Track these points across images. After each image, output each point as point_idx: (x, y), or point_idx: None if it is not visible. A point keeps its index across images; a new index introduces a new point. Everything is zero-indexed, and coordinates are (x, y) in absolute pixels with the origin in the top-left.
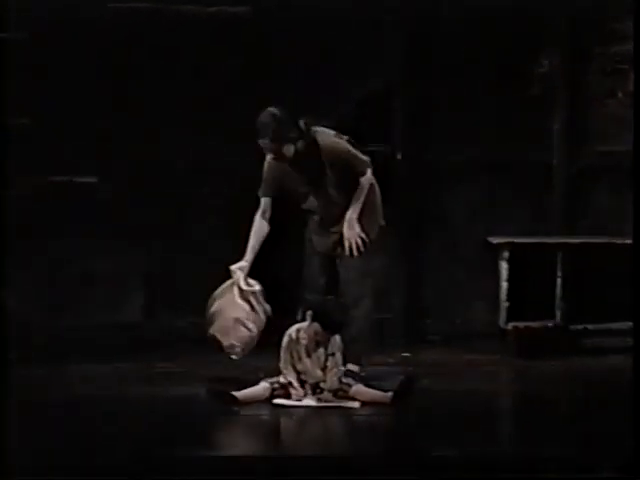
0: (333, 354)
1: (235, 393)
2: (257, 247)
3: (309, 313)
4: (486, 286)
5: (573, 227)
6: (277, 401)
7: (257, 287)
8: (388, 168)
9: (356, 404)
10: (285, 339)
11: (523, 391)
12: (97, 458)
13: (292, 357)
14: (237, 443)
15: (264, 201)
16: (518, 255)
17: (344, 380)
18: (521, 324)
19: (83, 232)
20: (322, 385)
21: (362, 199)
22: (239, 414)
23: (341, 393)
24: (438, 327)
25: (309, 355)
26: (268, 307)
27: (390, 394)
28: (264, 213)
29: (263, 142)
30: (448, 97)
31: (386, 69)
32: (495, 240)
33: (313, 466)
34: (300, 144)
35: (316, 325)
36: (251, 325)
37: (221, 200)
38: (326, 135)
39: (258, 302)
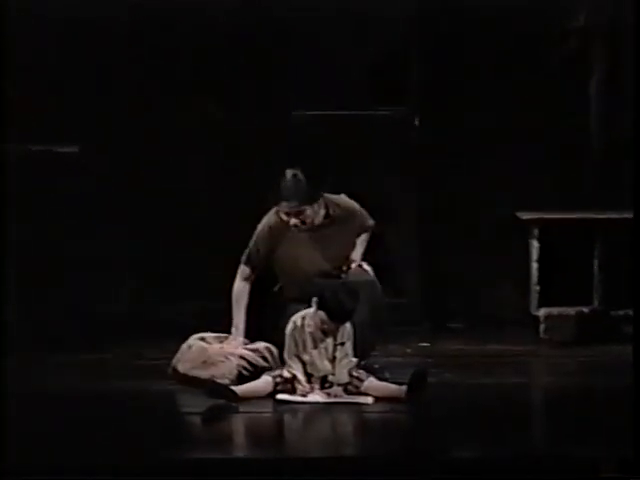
0: (342, 344)
1: (234, 388)
2: (244, 319)
3: (314, 300)
4: (514, 267)
5: (612, 201)
6: (280, 397)
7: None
8: (405, 134)
9: (369, 400)
10: (289, 327)
11: (556, 385)
12: (75, 459)
13: (297, 347)
14: (236, 444)
15: (248, 269)
16: (550, 232)
17: (355, 373)
18: (554, 310)
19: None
20: (330, 379)
21: (365, 245)
22: (238, 411)
23: (352, 388)
24: (460, 314)
25: (316, 345)
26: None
27: (406, 388)
28: (247, 279)
29: (290, 205)
30: (474, 58)
31: (403, 26)
32: (524, 215)
33: (320, 469)
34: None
35: (322, 313)
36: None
37: (213, 174)
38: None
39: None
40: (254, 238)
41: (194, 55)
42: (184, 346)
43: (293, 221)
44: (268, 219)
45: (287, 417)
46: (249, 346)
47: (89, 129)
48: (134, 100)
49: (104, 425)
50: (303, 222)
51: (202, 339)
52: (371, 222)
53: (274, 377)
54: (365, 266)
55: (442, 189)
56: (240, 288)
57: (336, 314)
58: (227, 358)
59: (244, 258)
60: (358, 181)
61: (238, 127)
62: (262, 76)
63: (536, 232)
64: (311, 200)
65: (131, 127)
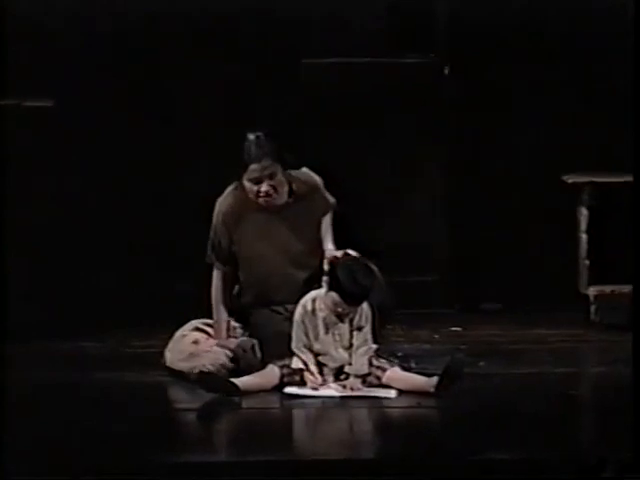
0: (360, 328)
1: (235, 380)
2: (225, 318)
3: (325, 279)
4: (560, 239)
5: None
6: (289, 390)
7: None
8: (433, 85)
9: (391, 393)
10: (298, 311)
11: (607, 376)
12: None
13: (307, 335)
14: (237, 444)
15: (218, 266)
16: (601, 198)
17: (376, 362)
18: (606, 288)
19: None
20: (347, 369)
21: (331, 229)
22: (240, 407)
23: (372, 379)
24: (496, 293)
25: (328, 332)
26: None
27: (435, 380)
28: (220, 277)
29: (263, 166)
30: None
31: None
32: (571, 179)
33: (335, 474)
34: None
35: (334, 294)
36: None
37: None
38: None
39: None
40: (212, 229)
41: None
42: (177, 334)
43: (264, 188)
44: (222, 202)
45: (296, 413)
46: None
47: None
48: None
49: (86, 424)
50: (274, 189)
51: (198, 329)
52: (333, 200)
53: (281, 367)
54: (351, 252)
55: (475, 150)
56: (215, 288)
57: (351, 294)
58: (212, 348)
59: (208, 254)
60: (376, 135)
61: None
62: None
63: (585, 198)
64: (282, 163)
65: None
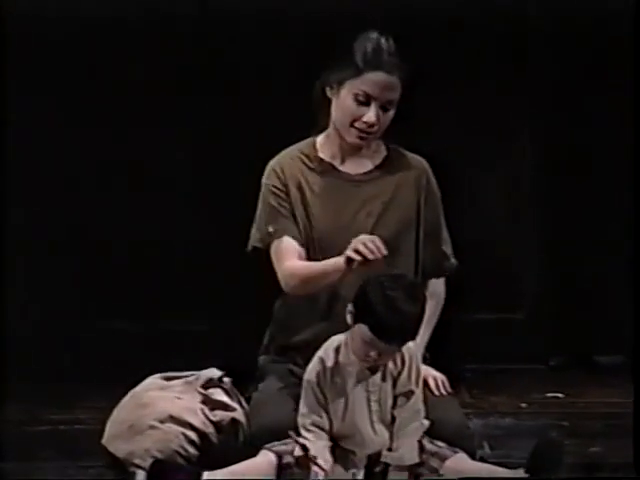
0: (409, 394)
1: (207, 475)
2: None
3: (349, 308)
4: None
5: None
6: None
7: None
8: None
9: None
10: (312, 367)
11: None
12: None
13: (323, 403)
14: None
15: (292, 243)
16: None
17: (430, 446)
18: None
19: None
20: (386, 456)
21: None
22: None
23: (424, 471)
24: (615, 339)
25: (359, 397)
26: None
27: (521, 473)
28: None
29: (391, 80)
30: None
31: None
32: None
33: None
34: None
35: (363, 328)
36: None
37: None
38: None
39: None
40: (262, 196)
41: None
42: (127, 396)
43: (374, 112)
44: (283, 157)
45: None
46: (215, 396)
47: None
48: None
49: None
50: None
51: (155, 388)
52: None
53: (279, 455)
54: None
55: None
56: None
57: (387, 324)
58: (162, 423)
59: (271, 229)
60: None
61: None
62: None
63: None
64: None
65: None
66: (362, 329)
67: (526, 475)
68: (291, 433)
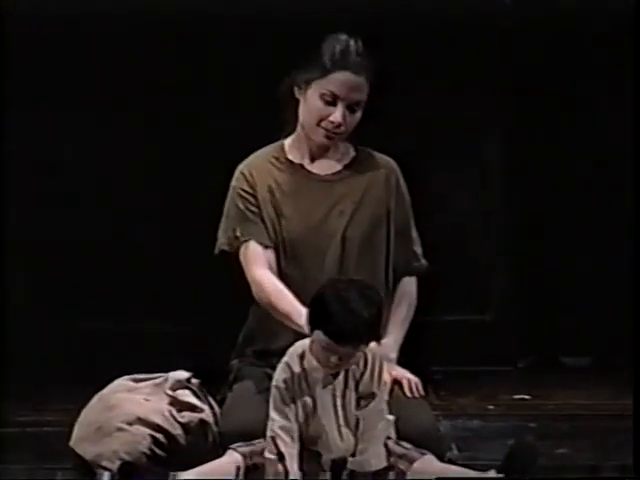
0: (372, 396)
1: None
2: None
3: (304, 312)
4: None
5: None
6: None
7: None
8: None
9: None
10: (278, 373)
11: None
12: None
13: (291, 406)
14: None
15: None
16: None
17: (397, 448)
18: None
19: None
20: (351, 462)
21: None
22: None
23: (393, 476)
24: (583, 341)
25: (325, 401)
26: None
27: (491, 476)
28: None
29: (357, 81)
30: None
31: None
32: None
33: None
34: None
35: (319, 333)
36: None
37: None
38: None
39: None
40: (230, 199)
41: None
42: (95, 397)
43: (340, 112)
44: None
45: None
46: (183, 397)
47: None
48: None
49: None
50: (346, 125)
51: (122, 390)
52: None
53: (245, 456)
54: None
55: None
56: (267, 278)
57: (341, 327)
58: (130, 425)
59: (244, 234)
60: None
61: None
62: None
63: None
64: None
65: None
66: (319, 335)
67: (498, 476)
68: (269, 439)
